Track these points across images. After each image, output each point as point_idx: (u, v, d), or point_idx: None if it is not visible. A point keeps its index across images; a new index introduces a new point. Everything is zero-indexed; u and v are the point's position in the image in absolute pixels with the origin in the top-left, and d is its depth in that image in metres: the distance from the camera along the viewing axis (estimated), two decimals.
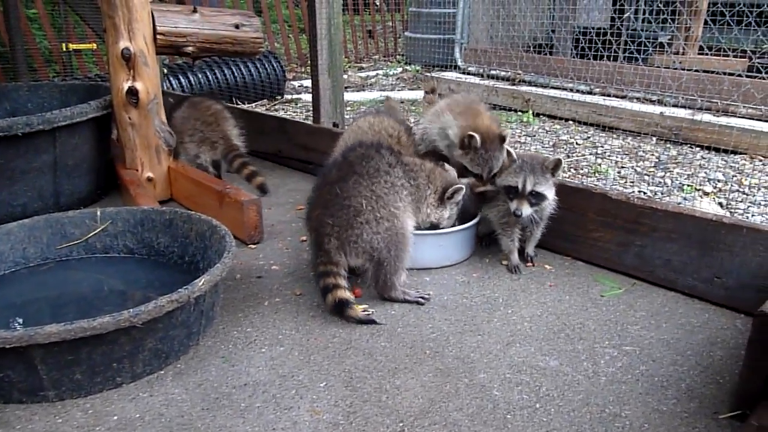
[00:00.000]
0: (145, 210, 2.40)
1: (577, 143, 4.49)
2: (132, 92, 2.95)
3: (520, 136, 4.64)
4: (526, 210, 2.28)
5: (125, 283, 2.31)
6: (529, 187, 2.27)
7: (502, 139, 2.42)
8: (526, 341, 1.93)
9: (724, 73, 4.82)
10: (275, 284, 2.31)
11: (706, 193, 3.50)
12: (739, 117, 4.42)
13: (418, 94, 6.14)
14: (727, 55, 5.37)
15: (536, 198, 2.29)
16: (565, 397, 1.66)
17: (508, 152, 2.38)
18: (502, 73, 5.98)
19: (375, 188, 2.14)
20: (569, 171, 3.88)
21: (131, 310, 1.59)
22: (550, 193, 2.32)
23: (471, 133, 2.39)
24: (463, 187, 2.34)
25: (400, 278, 2.15)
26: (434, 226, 2.38)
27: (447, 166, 2.47)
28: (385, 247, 2.10)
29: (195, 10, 3.14)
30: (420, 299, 2.18)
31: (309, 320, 2.05)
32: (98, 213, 2.38)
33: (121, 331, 1.60)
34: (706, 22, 6.24)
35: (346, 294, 2.05)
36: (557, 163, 2.29)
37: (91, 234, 2.36)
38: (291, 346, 1.90)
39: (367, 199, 2.11)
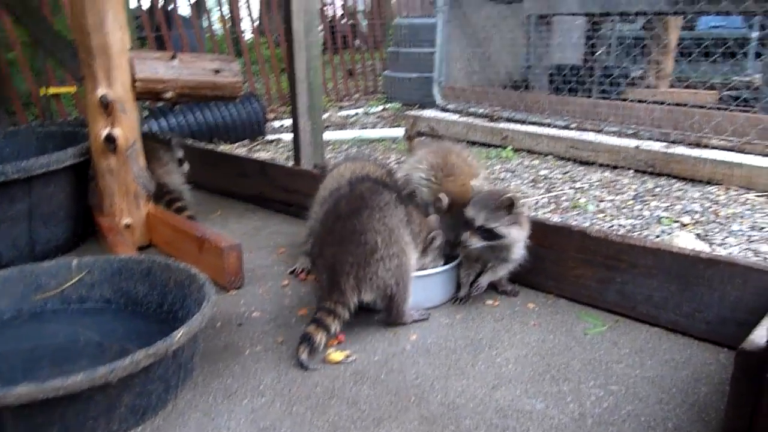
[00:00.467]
0: (122, 259, 2.37)
1: (556, 178, 4.54)
2: (110, 139, 2.94)
3: (500, 172, 4.69)
4: (475, 243, 2.29)
5: (102, 335, 2.25)
6: (479, 222, 2.28)
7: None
8: (512, 384, 1.91)
9: (695, 106, 4.94)
10: (256, 332, 2.28)
11: (684, 225, 3.54)
12: (711, 149, 4.50)
13: (399, 131, 6.20)
14: (698, 89, 5.52)
15: (487, 234, 2.28)
16: None
17: (471, 186, 2.40)
18: (481, 111, 6.06)
19: (387, 222, 2.16)
20: (550, 205, 3.91)
21: (106, 366, 1.55)
22: (507, 231, 2.29)
23: (439, 196, 2.46)
24: (440, 233, 2.38)
25: (408, 304, 2.24)
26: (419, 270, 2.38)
27: (433, 216, 2.50)
28: (395, 282, 2.15)
29: (174, 56, 3.16)
30: (422, 317, 2.30)
31: (291, 369, 2.01)
32: (74, 262, 2.33)
33: (95, 388, 1.55)
34: (676, 57, 6.44)
35: (319, 337, 2.04)
36: (510, 203, 2.26)
37: (67, 284, 2.32)
38: (273, 396, 1.86)
39: (381, 234, 2.13)
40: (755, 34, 6.78)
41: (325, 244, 2.20)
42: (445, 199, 2.46)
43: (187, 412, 1.79)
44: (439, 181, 2.61)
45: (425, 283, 2.39)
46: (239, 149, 5.81)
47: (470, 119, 5.94)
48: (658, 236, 3.34)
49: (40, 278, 2.30)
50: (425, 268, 2.39)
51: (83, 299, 2.33)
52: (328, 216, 2.26)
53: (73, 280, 2.32)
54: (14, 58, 6.70)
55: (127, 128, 2.97)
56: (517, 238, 2.34)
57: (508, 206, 2.28)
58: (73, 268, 2.33)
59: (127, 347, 2.07)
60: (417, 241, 2.33)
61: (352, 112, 7.75)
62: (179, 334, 1.71)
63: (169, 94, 3.11)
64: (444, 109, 6.44)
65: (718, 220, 3.59)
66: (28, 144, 3.77)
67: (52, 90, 6.42)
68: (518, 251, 2.38)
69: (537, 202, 3.95)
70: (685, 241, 3.16)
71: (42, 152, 3.21)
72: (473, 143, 5.53)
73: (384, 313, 2.24)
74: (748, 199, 3.90)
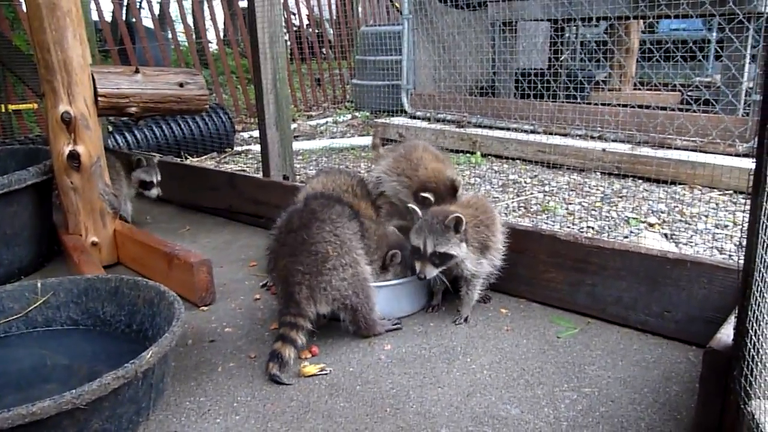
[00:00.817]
0: (89, 279, 2.31)
1: (525, 182, 4.58)
2: (73, 156, 2.88)
3: (470, 178, 4.71)
4: (431, 272, 2.21)
5: (70, 357, 2.20)
6: (430, 249, 2.19)
7: (455, 188, 2.52)
8: (487, 390, 1.91)
9: (659, 108, 5.05)
10: (229, 348, 2.25)
11: (651, 225, 3.60)
12: (675, 149, 4.60)
13: (368, 140, 6.21)
14: (660, 90, 5.64)
15: (440, 258, 2.20)
16: None
17: (413, 209, 2.32)
18: (449, 117, 6.10)
19: (338, 233, 2.17)
20: (520, 209, 3.95)
21: (74, 391, 1.51)
22: (458, 251, 2.21)
23: (424, 194, 2.49)
24: (397, 251, 2.38)
25: (376, 314, 2.23)
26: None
27: (390, 228, 2.53)
28: (353, 293, 2.14)
29: (137, 71, 3.12)
30: (396, 326, 2.30)
31: (265, 384, 1.99)
32: (39, 284, 2.28)
33: (63, 414, 1.51)
34: (638, 60, 6.57)
35: (287, 352, 2.03)
36: (457, 221, 2.17)
37: (32, 307, 2.26)
38: (247, 413, 1.84)
39: (332, 244, 2.14)
40: (715, 36, 6.96)
41: (279, 257, 2.20)
42: (431, 197, 2.47)
43: None
44: (410, 176, 2.62)
45: (396, 292, 2.39)
46: (208, 162, 5.75)
47: (439, 126, 5.97)
48: (626, 237, 3.39)
49: (4, 302, 2.24)
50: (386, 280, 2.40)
51: (49, 321, 2.28)
52: (281, 230, 2.26)
53: (38, 303, 2.26)
54: None
55: (90, 145, 2.92)
56: (467, 255, 2.26)
57: (455, 225, 2.19)
58: (38, 290, 2.27)
59: (97, 369, 2.03)
60: (373, 257, 2.34)
61: (321, 121, 7.73)
62: (149, 354, 1.68)
63: (132, 109, 3.07)
64: (413, 117, 6.47)
65: (683, 219, 3.66)
66: None
67: (12, 107, 6.28)
68: (471, 266, 2.30)
69: (507, 207, 3.98)
70: (653, 241, 3.21)
71: (3, 172, 3.13)
72: (443, 149, 5.55)
73: (352, 326, 2.23)
74: (711, 198, 3.99)
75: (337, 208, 2.26)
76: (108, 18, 8.11)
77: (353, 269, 2.16)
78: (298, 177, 4.23)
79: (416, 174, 2.62)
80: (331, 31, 10.45)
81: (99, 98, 2.93)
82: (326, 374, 2.03)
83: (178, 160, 5.27)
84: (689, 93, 5.78)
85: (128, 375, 1.61)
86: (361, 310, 2.18)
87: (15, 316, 2.24)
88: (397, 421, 1.77)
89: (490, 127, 5.67)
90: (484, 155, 5.39)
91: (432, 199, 2.48)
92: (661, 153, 4.50)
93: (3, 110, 6.19)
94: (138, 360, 1.65)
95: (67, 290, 2.29)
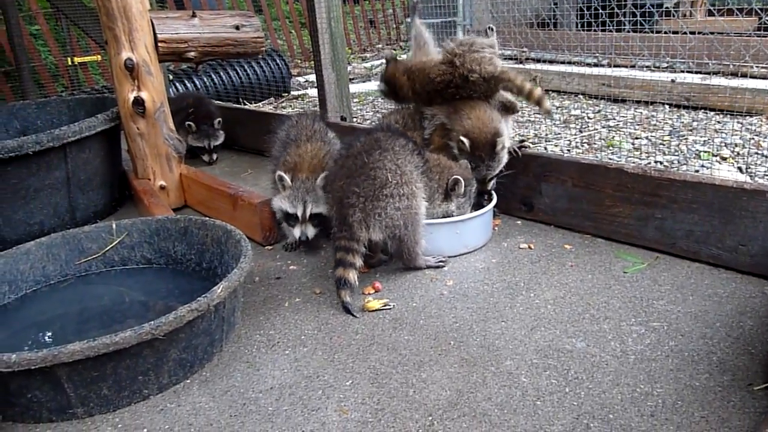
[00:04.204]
0: (159, 219, 2.40)
1: (588, 117, 4.42)
2: (138, 102, 2.95)
3: (531, 115, 4.58)
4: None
5: (146, 294, 2.32)
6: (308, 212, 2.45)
7: (493, 144, 2.45)
8: (551, 324, 1.90)
9: (733, 34, 4.72)
10: (294, 284, 2.31)
11: (724, 159, 3.43)
12: (751, 78, 4.31)
13: None
14: (735, 15, 5.25)
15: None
16: (594, 379, 1.64)
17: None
18: (508, 52, 5.90)
19: (400, 164, 2.17)
20: (583, 146, 3.82)
21: (152, 322, 1.59)
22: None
23: (461, 138, 2.45)
24: (459, 178, 2.34)
25: (421, 247, 2.25)
26: (446, 216, 2.38)
27: (464, 162, 2.48)
28: (404, 224, 2.16)
29: (194, 15, 3.13)
30: (440, 263, 2.32)
31: (330, 318, 2.04)
32: (114, 226, 2.38)
33: (143, 344, 1.60)
34: None
35: (351, 276, 2.08)
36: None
37: (108, 247, 2.37)
38: (314, 346, 1.90)
39: (392, 172, 2.14)
40: None
41: (336, 178, 2.22)
42: (466, 141, 2.44)
43: (232, 363, 1.84)
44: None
45: (459, 228, 2.38)
46: (266, 107, 5.79)
47: None
48: (697, 171, 3.24)
49: (83, 243, 2.36)
50: (449, 215, 2.38)
51: (125, 260, 2.39)
52: (341, 154, 2.27)
53: (114, 243, 2.37)
54: (38, 30, 6.75)
55: (153, 91, 2.98)
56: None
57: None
58: (113, 231, 2.38)
59: (171, 304, 2.13)
60: (435, 193, 2.33)
61: (376, 62, 7.62)
62: (219, 289, 1.75)
63: (192, 54, 3.10)
64: None
65: (760, 152, 3.46)
66: (60, 113, 3.83)
67: (78, 59, 6.46)
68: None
69: (570, 143, 3.86)
70: (727, 173, 3.06)
71: (73, 120, 3.26)
72: None
73: (396, 255, 2.26)
74: None
75: (401, 140, 2.25)
76: None
77: (408, 201, 2.15)
78: (355, 119, 4.21)
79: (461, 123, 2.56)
80: None
81: (159, 44, 2.97)
82: (389, 309, 2.06)
83: (238, 105, 5.33)
84: None
85: (201, 308, 1.68)
86: (407, 242, 2.19)
87: (94, 256, 2.36)
88: (461, 354, 1.79)
89: (551, 62, 5.47)
90: (545, 91, 5.21)
91: (467, 142, 2.44)
92: (735, 82, 4.23)
93: (69, 63, 6.39)
94: (209, 294, 1.72)
95: (140, 231, 2.39)
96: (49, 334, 2.08)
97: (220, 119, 4.00)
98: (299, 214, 2.47)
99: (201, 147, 3.90)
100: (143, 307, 2.25)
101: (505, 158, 2.52)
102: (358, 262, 2.11)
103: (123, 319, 2.15)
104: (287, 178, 2.49)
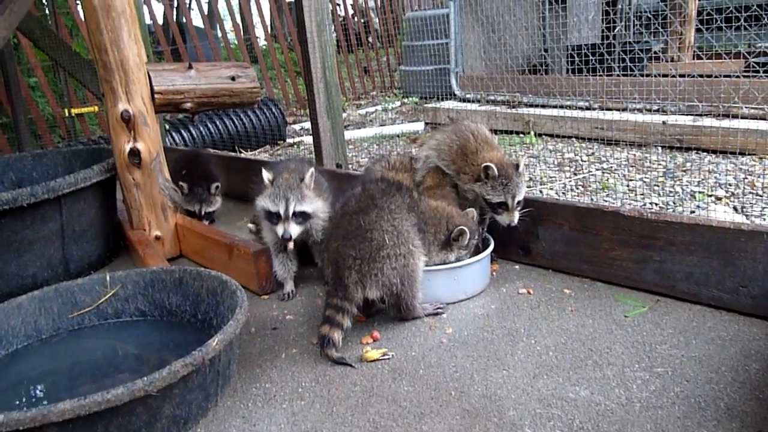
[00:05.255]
0: (154, 271, 2.38)
1: (582, 160, 4.45)
2: (134, 153, 2.96)
3: (525, 159, 4.61)
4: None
5: (139, 347, 2.28)
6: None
7: (517, 166, 2.51)
8: (554, 372, 1.87)
9: (722, 76, 4.80)
10: (291, 335, 2.27)
11: (719, 199, 3.44)
12: (741, 118, 4.37)
13: (419, 125, 6.16)
14: (722, 58, 5.36)
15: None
16: (600, 428, 1.60)
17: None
18: (500, 98, 5.99)
19: (396, 224, 2.16)
20: (578, 188, 3.84)
21: (145, 378, 1.55)
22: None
23: (487, 164, 2.44)
24: (465, 229, 2.33)
25: (418, 299, 2.22)
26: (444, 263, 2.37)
27: (470, 211, 2.48)
28: (400, 281, 2.13)
29: (190, 66, 3.18)
30: (438, 310, 2.29)
31: (328, 370, 2.00)
32: (107, 278, 2.36)
33: (136, 400, 1.55)
34: (697, 28, 6.26)
35: (336, 335, 2.05)
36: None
37: (102, 300, 2.34)
38: (312, 399, 1.85)
39: (389, 233, 2.13)
40: None
41: (331, 238, 2.21)
42: (494, 168, 2.43)
43: (227, 419, 1.79)
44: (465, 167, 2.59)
45: (457, 274, 2.36)
46: (262, 155, 5.83)
47: (490, 107, 5.87)
48: (693, 212, 3.25)
49: (76, 296, 2.33)
50: (446, 263, 2.37)
51: (119, 313, 2.36)
52: (336, 213, 2.26)
53: (108, 295, 2.34)
54: (36, 82, 6.84)
55: (149, 141, 2.99)
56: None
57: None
58: (107, 283, 2.35)
59: (165, 358, 2.09)
60: (431, 245, 2.32)
61: (370, 109, 7.72)
62: (215, 342, 1.71)
63: (188, 105, 3.13)
64: (463, 99, 6.37)
65: (754, 191, 3.48)
66: (56, 164, 3.84)
67: (75, 111, 6.53)
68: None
69: (564, 186, 3.88)
70: (723, 214, 3.06)
71: (69, 171, 3.26)
72: (495, 131, 5.45)
73: (393, 310, 2.23)
74: None
75: (397, 198, 2.24)
76: (160, 20, 8.31)
77: (405, 260, 2.15)
78: (350, 165, 4.23)
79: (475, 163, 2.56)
80: (377, 19, 10.40)
81: (155, 95, 3.00)
82: (388, 359, 2.03)
83: (233, 154, 5.36)
84: (754, 59, 5.48)
85: (196, 362, 1.65)
86: (405, 297, 2.17)
87: (87, 309, 2.32)
88: (463, 404, 1.75)
89: (543, 106, 5.53)
90: (537, 135, 5.26)
91: (495, 169, 2.43)
92: (726, 123, 4.29)
93: (66, 114, 6.45)
94: (204, 347, 1.68)
95: (135, 282, 2.36)
96: (40, 389, 2.03)
97: (218, 184, 3.65)
98: (281, 211, 2.38)
99: (192, 212, 3.58)
100: (137, 361, 2.21)
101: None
102: (347, 323, 2.08)
103: (116, 374, 2.10)
104: (268, 176, 2.45)
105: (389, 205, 2.19)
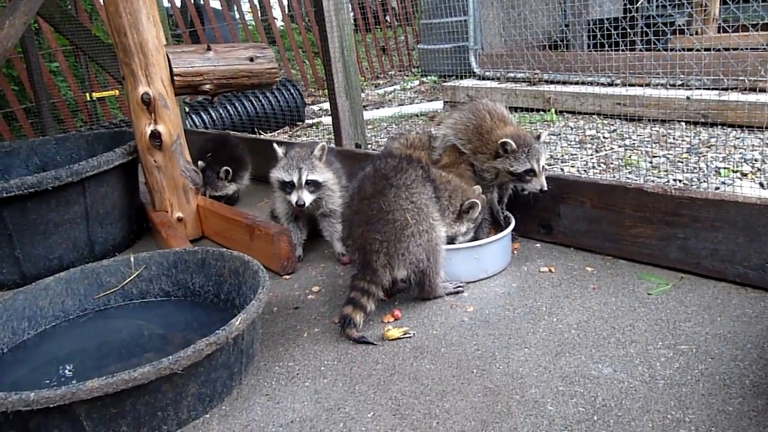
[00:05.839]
0: (177, 252, 2.41)
1: (603, 137, 4.39)
2: (155, 135, 2.98)
3: (546, 137, 4.56)
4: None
5: (164, 327, 2.31)
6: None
7: (538, 137, 2.52)
8: (576, 350, 1.86)
9: (748, 49, 4.68)
10: (313, 314, 2.29)
11: (744, 175, 3.38)
12: None
13: (438, 104, 6.12)
14: (748, 30, 5.22)
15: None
16: (623, 406, 1.59)
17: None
18: (520, 75, 5.91)
19: (414, 199, 2.15)
20: (600, 166, 3.79)
21: (170, 357, 1.58)
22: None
23: (504, 140, 2.42)
24: (477, 202, 2.35)
25: (441, 278, 2.23)
26: (450, 240, 2.36)
27: (477, 188, 2.47)
28: (426, 257, 2.14)
29: (209, 48, 3.18)
30: (458, 288, 2.30)
31: (350, 348, 2.02)
32: (132, 259, 2.39)
33: (162, 379, 1.58)
34: (722, 0, 6.09)
35: (358, 317, 2.06)
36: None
37: (127, 281, 2.37)
38: (334, 377, 1.87)
39: (410, 212, 2.13)
40: None
41: (353, 225, 2.20)
42: (511, 142, 2.42)
43: (252, 396, 1.82)
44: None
45: (478, 252, 2.35)
46: (281, 136, 5.83)
47: (510, 85, 5.79)
48: (717, 188, 3.19)
49: (101, 277, 2.37)
50: (458, 239, 2.38)
51: (144, 294, 2.39)
52: (353, 197, 2.25)
53: (132, 276, 2.37)
54: (57, 67, 6.90)
55: (170, 124, 3.01)
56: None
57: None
58: (131, 264, 2.39)
59: (190, 337, 2.12)
60: (446, 210, 2.32)
61: (389, 89, 7.68)
62: (238, 321, 1.73)
63: (207, 86, 3.13)
64: (482, 78, 6.30)
65: None
66: (79, 148, 3.88)
67: (96, 94, 6.58)
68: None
69: (586, 163, 3.83)
70: (749, 190, 3.01)
71: (92, 155, 3.30)
72: (515, 109, 5.40)
73: (416, 289, 2.23)
74: None
75: (410, 172, 2.22)
76: (178, 3, 8.31)
77: (429, 234, 2.14)
78: (369, 145, 4.22)
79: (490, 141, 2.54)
80: None
81: (175, 77, 3.01)
82: (410, 337, 2.03)
83: (253, 136, 5.37)
84: None
85: (220, 341, 1.67)
86: (429, 274, 2.18)
87: (113, 290, 2.36)
88: (485, 382, 1.75)
89: (564, 83, 5.45)
90: (558, 112, 5.19)
91: (513, 144, 2.42)
92: (752, 97, 4.19)
93: (88, 98, 6.51)
94: (228, 327, 1.70)
95: (158, 264, 2.39)
96: (69, 369, 2.07)
97: (228, 169, 3.60)
98: (295, 180, 2.57)
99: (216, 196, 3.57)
100: (162, 341, 2.24)
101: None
102: (370, 306, 2.08)
103: (142, 353, 2.14)
104: (280, 150, 2.67)
105: (405, 181, 2.17)
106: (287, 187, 2.59)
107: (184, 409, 1.69)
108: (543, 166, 2.44)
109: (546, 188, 2.43)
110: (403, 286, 2.31)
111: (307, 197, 2.58)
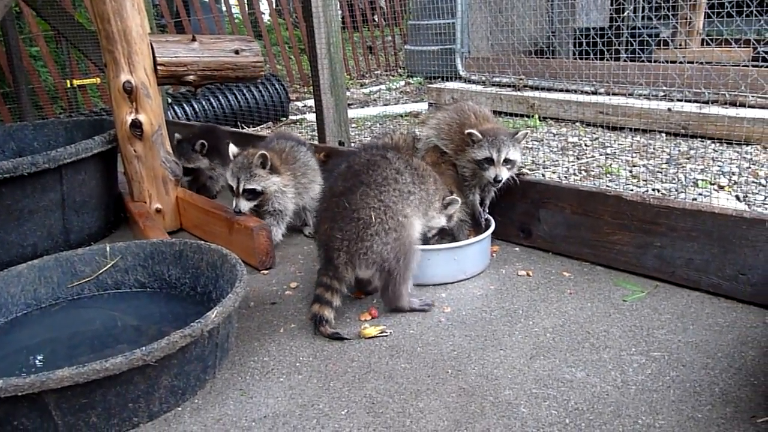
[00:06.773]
0: (154, 243, 2.38)
1: (585, 145, 4.43)
2: (135, 125, 2.94)
3: (528, 142, 4.59)
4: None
5: (138, 318, 2.28)
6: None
7: (514, 133, 2.50)
8: (550, 353, 1.87)
9: (729, 64, 4.76)
10: (290, 310, 2.28)
11: (722, 187, 3.43)
12: (748, 107, 4.34)
13: (423, 106, 6.13)
14: (731, 46, 5.31)
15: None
16: (595, 410, 1.61)
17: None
18: (505, 80, 5.95)
19: (383, 198, 2.12)
20: (580, 173, 3.82)
21: (144, 348, 1.56)
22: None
23: (470, 131, 2.44)
24: (457, 199, 2.38)
25: (407, 288, 2.16)
26: (425, 237, 2.33)
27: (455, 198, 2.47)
28: (394, 257, 2.09)
29: (194, 39, 3.14)
30: (425, 306, 2.20)
31: (326, 345, 2.01)
32: (107, 249, 2.36)
33: (134, 370, 1.56)
34: (707, 14, 6.19)
35: (327, 313, 2.05)
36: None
37: (102, 270, 2.34)
38: (309, 373, 1.86)
39: (376, 210, 2.09)
40: None
41: (321, 221, 2.20)
42: (476, 132, 2.43)
43: (225, 391, 1.80)
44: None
45: (457, 254, 2.36)
46: (264, 131, 5.80)
47: (495, 89, 5.83)
48: (695, 199, 3.24)
49: (76, 265, 2.33)
50: (431, 232, 2.35)
51: (118, 284, 2.36)
52: (325, 193, 2.24)
53: (108, 266, 2.34)
54: (38, 52, 6.78)
55: (151, 113, 2.97)
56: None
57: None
58: (107, 253, 2.35)
59: (164, 329, 2.09)
60: (431, 200, 2.30)
61: (374, 88, 7.67)
62: (213, 314, 1.72)
63: (191, 77, 3.10)
64: (467, 81, 6.33)
65: (757, 181, 3.46)
66: (57, 134, 3.82)
67: (77, 82, 6.48)
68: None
69: (567, 170, 3.86)
70: (724, 202, 3.06)
71: (70, 142, 3.24)
72: (499, 113, 5.43)
73: (381, 291, 2.17)
74: None
75: (382, 168, 2.17)
76: None
77: (397, 233, 2.10)
78: (353, 144, 4.21)
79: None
80: None
81: (158, 67, 2.97)
82: (386, 336, 2.03)
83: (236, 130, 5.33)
84: (763, 48, 5.43)
85: (194, 334, 1.65)
86: (396, 277, 2.10)
87: (87, 279, 2.33)
88: (459, 383, 1.76)
89: (548, 89, 5.50)
90: (541, 118, 5.24)
91: (478, 134, 2.43)
92: (732, 111, 4.26)
93: (68, 85, 6.41)
94: (203, 320, 1.69)
95: (134, 254, 2.36)
96: (39, 358, 2.04)
97: (203, 142, 3.44)
98: (234, 187, 2.70)
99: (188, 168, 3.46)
100: (136, 332, 2.21)
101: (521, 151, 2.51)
102: (336, 301, 2.08)
103: (115, 344, 2.11)
104: (232, 150, 2.78)
105: (375, 178, 2.14)
106: (231, 190, 2.74)
107: (156, 401, 1.67)
108: (507, 159, 2.41)
109: (501, 179, 2.41)
110: (378, 285, 2.31)
111: (244, 205, 2.69)
